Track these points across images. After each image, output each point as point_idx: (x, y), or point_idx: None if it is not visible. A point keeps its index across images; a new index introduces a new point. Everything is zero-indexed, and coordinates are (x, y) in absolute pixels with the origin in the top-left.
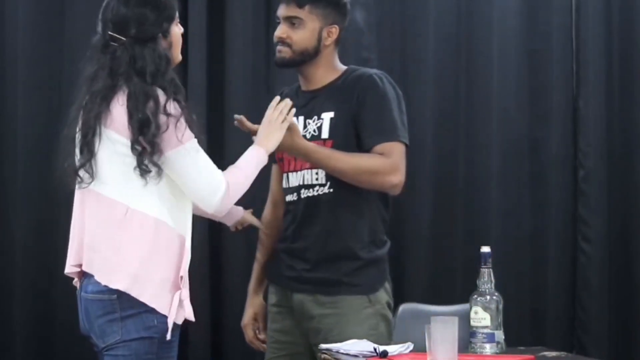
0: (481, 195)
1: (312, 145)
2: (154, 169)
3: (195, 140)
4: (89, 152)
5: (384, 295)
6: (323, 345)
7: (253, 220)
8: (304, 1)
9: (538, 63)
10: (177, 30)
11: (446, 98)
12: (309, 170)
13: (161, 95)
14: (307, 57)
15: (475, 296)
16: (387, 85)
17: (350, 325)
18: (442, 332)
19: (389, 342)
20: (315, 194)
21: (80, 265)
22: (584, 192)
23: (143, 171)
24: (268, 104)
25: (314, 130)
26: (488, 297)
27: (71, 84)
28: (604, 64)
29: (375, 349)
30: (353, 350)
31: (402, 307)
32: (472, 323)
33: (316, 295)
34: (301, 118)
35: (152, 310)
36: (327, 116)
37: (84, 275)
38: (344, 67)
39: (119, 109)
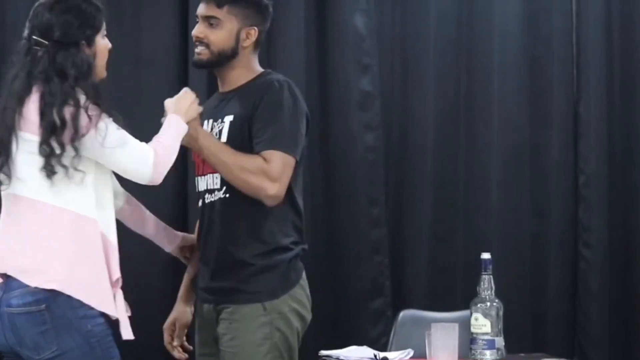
0: (482, 200)
1: (208, 135)
2: (61, 170)
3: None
4: (5, 154)
5: (287, 303)
6: (323, 352)
7: (194, 241)
8: (222, 1)
9: (539, 67)
10: (102, 42)
11: (447, 103)
12: (211, 175)
13: (82, 99)
14: (224, 59)
15: (476, 302)
16: (286, 94)
17: (243, 333)
18: (442, 338)
19: (286, 355)
20: (214, 199)
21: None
22: (584, 197)
23: (49, 172)
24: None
25: (216, 134)
26: (488, 303)
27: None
28: (605, 69)
29: (375, 356)
30: (353, 357)
31: (403, 314)
32: (473, 329)
33: (217, 304)
34: (210, 121)
35: (84, 316)
36: (228, 120)
37: (3, 288)
38: (260, 70)
39: (32, 109)
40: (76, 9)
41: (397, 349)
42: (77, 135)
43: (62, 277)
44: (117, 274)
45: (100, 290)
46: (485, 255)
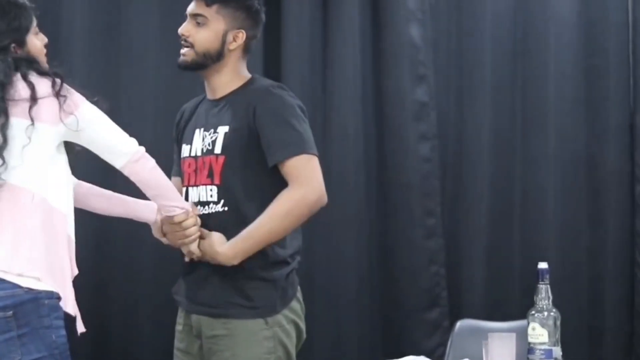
0: (538, 210)
1: (237, 241)
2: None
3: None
4: None
5: (286, 315)
6: None
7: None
8: (212, 0)
9: (595, 78)
10: (36, 41)
11: (502, 113)
12: (205, 187)
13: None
14: (209, 60)
15: (533, 312)
16: (286, 97)
17: (244, 348)
18: (499, 348)
19: None
20: (210, 211)
21: None
22: None
23: None
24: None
25: (209, 145)
26: (546, 313)
27: (128, 87)
28: None
29: None
30: None
31: (460, 323)
32: (530, 339)
33: (211, 316)
34: (202, 130)
35: (50, 326)
36: (222, 130)
37: None
38: (248, 76)
39: None
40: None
41: (454, 359)
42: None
43: (40, 274)
44: (75, 270)
45: (67, 287)
46: (542, 265)
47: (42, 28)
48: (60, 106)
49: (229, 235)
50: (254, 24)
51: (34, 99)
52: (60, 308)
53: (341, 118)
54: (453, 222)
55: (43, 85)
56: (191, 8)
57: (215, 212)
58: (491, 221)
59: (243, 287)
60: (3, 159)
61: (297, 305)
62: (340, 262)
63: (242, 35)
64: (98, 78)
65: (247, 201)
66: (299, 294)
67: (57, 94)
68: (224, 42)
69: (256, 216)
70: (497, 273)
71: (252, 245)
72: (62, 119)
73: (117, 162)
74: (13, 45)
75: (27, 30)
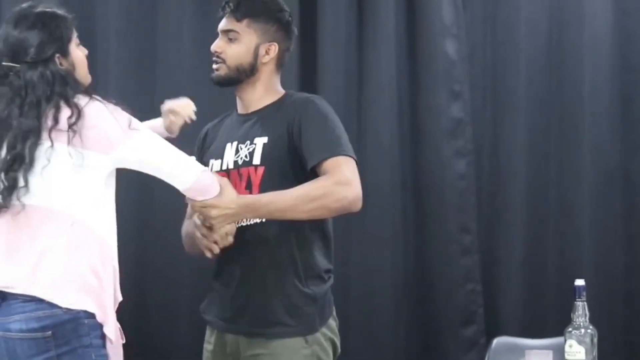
0: (574, 226)
1: (251, 197)
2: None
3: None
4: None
5: (324, 333)
6: None
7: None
8: (242, 15)
9: (630, 94)
10: (78, 51)
11: (538, 129)
12: None
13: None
14: (243, 75)
15: (570, 329)
16: (326, 106)
17: None
18: None
19: None
20: (249, 223)
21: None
22: None
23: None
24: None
25: (246, 156)
26: (582, 330)
27: (164, 87)
28: None
29: None
30: None
31: (496, 341)
32: (567, 357)
33: (250, 335)
34: (235, 143)
35: (90, 345)
36: (260, 141)
37: (1, 304)
38: (283, 92)
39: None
40: (41, 23)
41: None
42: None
43: (86, 297)
44: (119, 297)
45: (110, 314)
46: (579, 282)
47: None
48: (110, 133)
49: (269, 249)
50: (285, 36)
51: (79, 124)
52: (100, 327)
53: (377, 133)
54: (488, 238)
55: (91, 110)
56: (222, 25)
57: (255, 223)
58: (527, 237)
59: (283, 305)
60: (26, 181)
61: (333, 322)
62: (376, 278)
63: (274, 48)
64: (133, 83)
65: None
66: (334, 312)
67: (106, 120)
68: (256, 55)
69: (295, 226)
70: (533, 290)
71: (265, 209)
72: (113, 147)
73: (179, 187)
74: (57, 55)
75: (69, 40)
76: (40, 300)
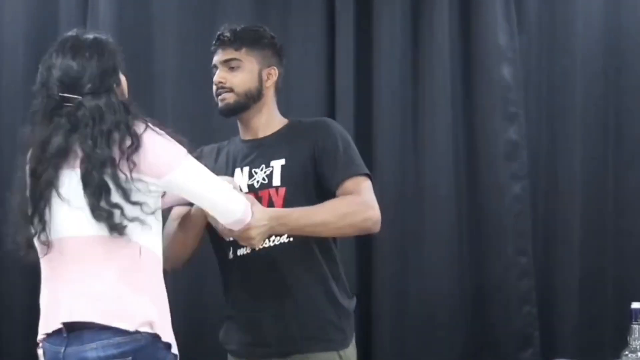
0: (631, 249)
1: (282, 210)
2: (129, 223)
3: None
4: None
5: (352, 349)
6: None
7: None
8: (240, 44)
9: None
10: (123, 77)
11: (594, 152)
12: None
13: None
14: (251, 100)
15: (627, 353)
16: (341, 127)
17: None
18: None
19: None
20: (275, 243)
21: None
22: None
23: (118, 230)
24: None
25: (263, 179)
26: (639, 354)
27: None
28: None
29: None
30: None
31: None
32: None
33: (284, 355)
34: (246, 168)
35: None
36: (278, 164)
37: (66, 341)
38: (284, 118)
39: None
40: (97, 53)
41: None
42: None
43: (157, 320)
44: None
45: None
46: (636, 305)
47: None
48: (164, 159)
49: (298, 266)
50: (280, 61)
51: (138, 153)
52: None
53: (432, 157)
54: (545, 261)
55: (148, 138)
56: (220, 56)
57: (281, 243)
58: (583, 261)
59: (317, 321)
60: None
61: (353, 339)
62: (431, 302)
63: (274, 72)
64: (190, 86)
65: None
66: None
67: (161, 146)
68: (260, 80)
69: (321, 244)
70: (589, 313)
71: (295, 223)
72: (165, 171)
73: (223, 221)
74: (115, 84)
75: (120, 66)
76: (115, 328)
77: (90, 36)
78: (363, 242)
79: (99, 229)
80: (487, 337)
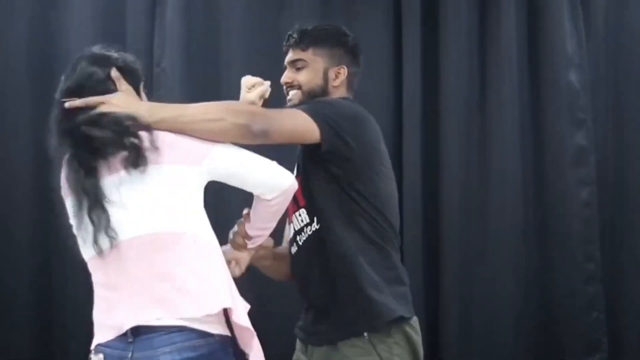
0: None
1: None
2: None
3: None
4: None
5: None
6: None
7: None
8: (306, 44)
9: None
10: (143, 95)
11: None
12: (295, 214)
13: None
14: (315, 98)
15: None
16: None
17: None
18: None
19: None
20: (309, 234)
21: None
22: None
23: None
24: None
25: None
26: None
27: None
28: None
29: None
30: None
31: None
32: None
33: (337, 342)
34: None
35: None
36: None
37: (132, 347)
38: None
39: None
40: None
41: None
42: None
43: (228, 297)
44: (247, 304)
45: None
46: None
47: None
48: (194, 147)
49: (323, 252)
50: (353, 59)
51: (172, 143)
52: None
53: (500, 161)
54: (613, 267)
55: (169, 135)
56: (289, 57)
57: (313, 232)
58: None
59: (350, 309)
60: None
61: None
62: (499, 307)
63: (344, 71)
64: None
65: (333, 216)
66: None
67: (185, 139)
68: (326, 79)
69: (350, 230)
70: None
71: (166, 115)
72: (201, 158)
73: (268, 195)
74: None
75: (137, 84)
76: (189, 330)
77: (122, 58)
78: (430, 247)
79: (153, 227)
80: (554, 343)
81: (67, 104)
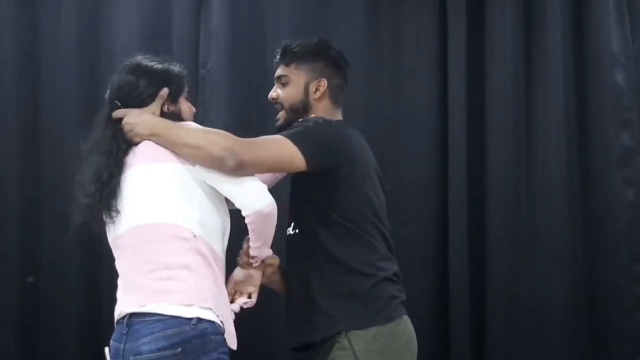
0: None
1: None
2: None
3: None
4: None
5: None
6: None
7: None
8: (289, 60)
9: None
10: (185, 105)
11: None
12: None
13: None
14: (297, 114)
15: None
16: (318, 120)
17: None
18: None
19: None
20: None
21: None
22: None
23: None
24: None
25: None
26: None
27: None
28: None
29: None
30: None
31: None
32: None
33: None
34: None
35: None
36: None
37: (125, 337)
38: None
39: None
40: (149, 77)
41: None
42: None
43: (213, 298)
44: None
45: (230, 324)
46: None
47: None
48: None
49: (301, 258)
50: (335, 71)
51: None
52: (226, 344)
53: (545, 162)
54: None
55: None
56: (276, 73)
57: (291, 234)
58: None
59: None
60: None
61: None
62: (544, 309)
63: (324, 84)
64: None
65: (315, 222)
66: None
67: None
68: (307, 92)
69: (326, 237)
70: None
71: (161, 129)
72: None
73: (244, 211)
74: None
75: (178, 94)
76: (167, 318)
77: (166, 67)
78: (475, 247)
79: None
80: (600, 343)
81: (114, 114)
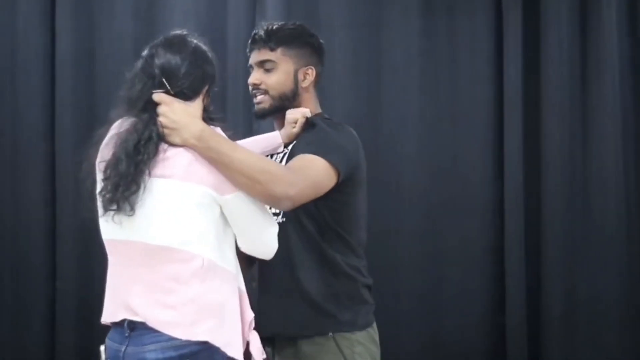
0: None
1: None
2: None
3: None
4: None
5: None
6: None
7: None
8: (276, 44)
9: None
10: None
11: None
12: None
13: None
14: (286, 102)
15: None
16: (325, 123)
17: None
18: None
19: None
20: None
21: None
22: None
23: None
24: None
25: None
26: None
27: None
28: None
29: None
30: None
31: None
32: None
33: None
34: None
35: None
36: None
37: (127, 340)
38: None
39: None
40: (206, 63)
41: None
42: None
43: (213, 328)
44: (250, 314)
45: (238, 343)
46: None
47: None
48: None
49: (290, 249)
50: (319, 59)
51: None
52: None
53: (601, 158)
54: None
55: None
56: (255, 57)
57: (281, 223)
58: None
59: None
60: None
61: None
62: (601, 305)
63: (312, 72)
64: (357, 78)
65: (308, 219)
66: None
67: None
68: (296, 81)
69: (318, 237)
70: None
71: (217, 146)
72: (226, 192)
73: (241, 248)
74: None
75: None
76: (176, 338)
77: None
78: (531, 246)
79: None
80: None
81: (155, 96)
